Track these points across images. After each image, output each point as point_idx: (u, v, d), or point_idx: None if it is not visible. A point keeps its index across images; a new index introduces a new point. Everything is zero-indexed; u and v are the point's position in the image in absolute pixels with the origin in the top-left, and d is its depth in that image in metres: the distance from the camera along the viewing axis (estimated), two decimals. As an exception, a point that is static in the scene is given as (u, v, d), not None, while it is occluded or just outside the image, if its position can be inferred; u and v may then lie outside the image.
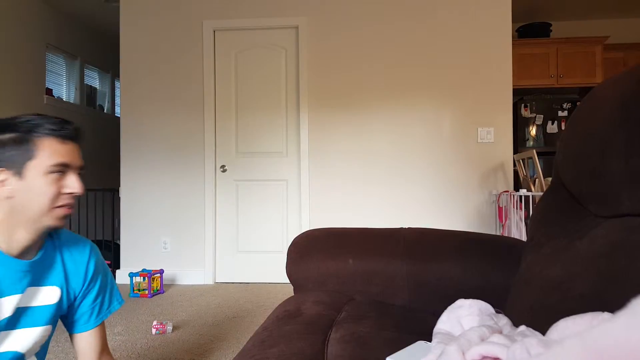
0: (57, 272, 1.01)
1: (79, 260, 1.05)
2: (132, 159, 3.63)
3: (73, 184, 0.93)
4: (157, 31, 3.62)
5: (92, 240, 4.05)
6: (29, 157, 0.89)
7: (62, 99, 4.97)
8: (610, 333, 0.31)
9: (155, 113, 3.62)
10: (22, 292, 0.93)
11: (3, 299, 0.90)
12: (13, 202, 0.89)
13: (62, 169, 0.92)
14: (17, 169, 0.88)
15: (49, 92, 4.68)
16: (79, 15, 4.98)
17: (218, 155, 3.61)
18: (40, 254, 0.97)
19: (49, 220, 0.92)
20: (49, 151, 0.90)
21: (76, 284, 1.05)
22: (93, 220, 4.47)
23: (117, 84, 5.91)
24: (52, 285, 1.00)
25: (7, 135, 0.89)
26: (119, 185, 3.69)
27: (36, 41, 4.49)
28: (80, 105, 5.22)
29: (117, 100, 5.94)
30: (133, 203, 3.62)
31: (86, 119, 5.30)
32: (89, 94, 5.45)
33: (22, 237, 0.91)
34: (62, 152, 0.92)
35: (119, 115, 5.61)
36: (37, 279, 0.97)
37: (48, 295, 0.99)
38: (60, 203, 0.92)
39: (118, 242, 3.87)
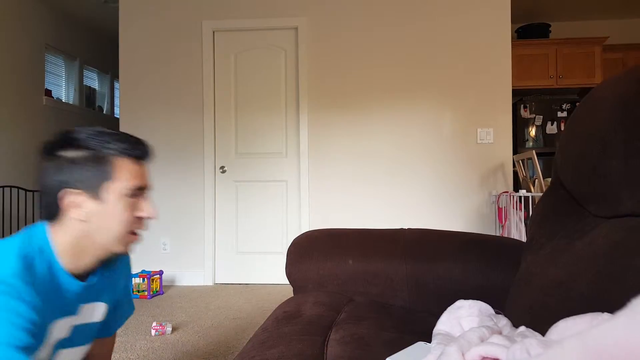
0: (107, 289, 0.98)
1: (122, 273, 1.02)
2: (131, 160, 3.63)
3: (147, 208, 0.87)
4: (156, 32, 3.62)
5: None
6: (105, 178, 0.82)
7: (61, 100, 4.97)
8: (610, 333, 0.31)
9: (154, 114, 3.62)
10: (77, 313, 0.90)
11: (62, 320, 0.86)
12: (87, 226, 0.83)
13: (138, 192, 0.86)
14: (94, 191, 0.81)
15: (48, 93, 4.68)
16: (78, 16, 4.99)
17: (217, 156, 3.60)
18: (98, 275, 0.93)
19: (119, 247, 0.86)
20: (126, 173, 0.83)
21: (118, 296, 1.02)
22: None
23: (116, 85, 5.91)
24: (101, 302, 0.97)
25: (80, 153, 0.81)
26: (119, 186, 3.69)
27: (35, 42, 4.49)
28: (79, 106, 5.22)
29: (117, 101, 5.95)
30: (132, 204, 3.62)
31: (85, 120, 5.30)
32: (88, 95, 5.45)
33: (89, 260, 0.86)
34: (138, 174, 0.85)
35: (118, 116, 5.62)
36: (90, 298, 0.93)
37: (97, 312, 0.96)
38: (133, 229, 0.87)
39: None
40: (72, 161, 0.81)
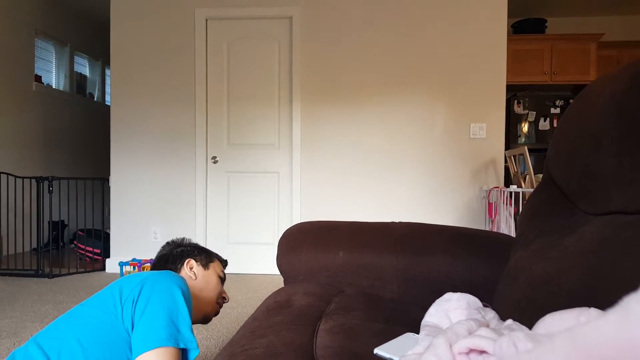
0: None
1: None
2: (122, 148, 3.59)
3: (226, 294, 1.40)
4: (148, 18, 3.57)
5: (82, 229, 4.01)
6: (210, 260, 1.38)
7: (51, 86, 4.90)
8: (601, 331, 0.31)
9: (146, 102, 3.58)
10: None
11: None
12: (194, 283, 1.29)
13: (222, 279, 1.39)
14: (204, 264, 1.36)
15: (38, 79, 4.60)
16: (68, 1, 4.89)
17: (209, 146, 3.58)
18: None
19: (211, 309, 1.33)
20: (219, 265, 1.41)
21: None
22: (83, 208, 4.43)
23: (107, 72, 5.83)
24: None
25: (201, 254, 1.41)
26: (109, 174, 3.65)
27: (25, 27, 4.40)
28: (70, 92, 5.15)
29: (108, 89, 5.87)
30: (123, 192, 3.59)
31: (76, 107, 5.22)
32: (79, 82, 5.37)
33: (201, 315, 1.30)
34: (223, 271, 1.42)
35: (109, 104, 5.54)
36: None
37: None
38: (219, 301, 1.36)
39: (108, 231, 3.84)
40: (197, 253, 1.39)
